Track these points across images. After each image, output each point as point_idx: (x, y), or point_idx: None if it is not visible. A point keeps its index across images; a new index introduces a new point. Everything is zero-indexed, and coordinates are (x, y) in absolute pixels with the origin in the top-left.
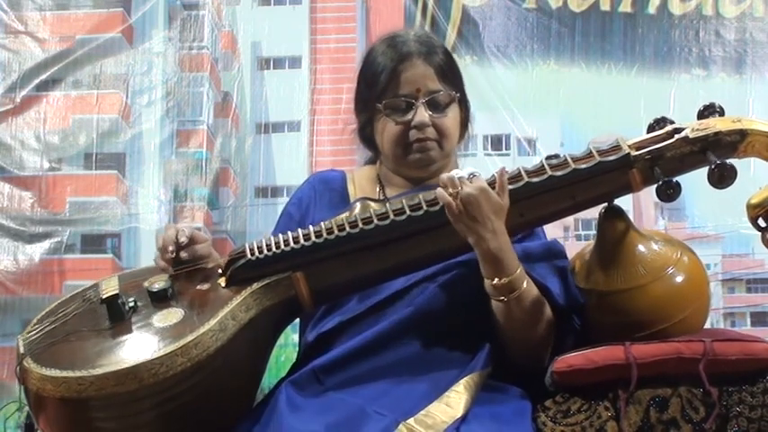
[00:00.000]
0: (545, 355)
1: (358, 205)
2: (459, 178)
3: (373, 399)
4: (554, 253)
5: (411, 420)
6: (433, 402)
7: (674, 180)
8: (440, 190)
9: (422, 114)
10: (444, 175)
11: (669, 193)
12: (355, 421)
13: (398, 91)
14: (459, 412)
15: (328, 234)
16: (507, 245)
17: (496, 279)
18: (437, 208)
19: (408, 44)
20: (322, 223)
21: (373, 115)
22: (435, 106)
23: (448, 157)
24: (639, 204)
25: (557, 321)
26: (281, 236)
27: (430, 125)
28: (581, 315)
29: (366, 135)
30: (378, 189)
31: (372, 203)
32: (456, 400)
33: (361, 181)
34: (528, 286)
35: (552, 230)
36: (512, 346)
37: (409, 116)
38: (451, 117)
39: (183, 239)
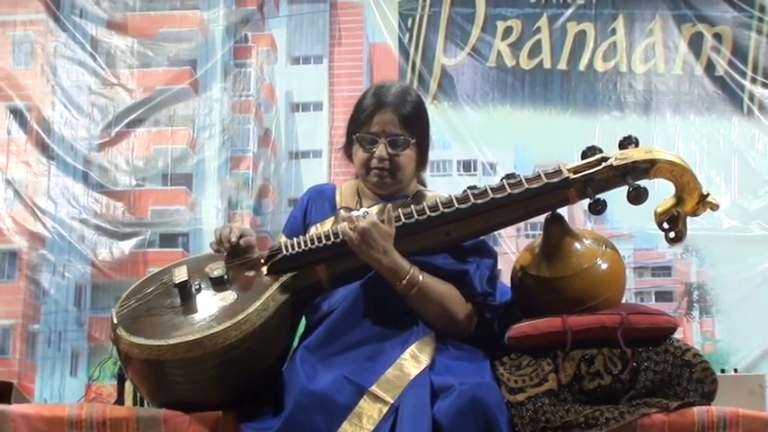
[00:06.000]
0: (465, 325)
1: (341, 212)
2: (356, 216)
3: (347, 369)
4: (478, 249)
5: (374, 387)
6: (389, 369)
7: (602, 199)
8: (343, 225)
9: (382, 150)
10: (345, 214)
11: (598, 209)
12: (336, 386)
13: (370, 129)
14: (411, 375)
15: (338, 237)
16: (397, 258)
17: (398, 283)
18: (425, 217)
19: (387, 96)
20: (338, 227)
21: (352, 141)
22: (394, 146)
23: (401, 182)
24: (573, 211)
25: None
26: (307, 237)
27: (387, 159)
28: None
29: (348, 153)
30: (356, 200)
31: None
32: (407, 366)
33: (346, 193)
34: (426, 278)
35: (508, 230)
36: (435, 324)
37: (374, 149)
38: (406, 156)
39: (233, 239)
